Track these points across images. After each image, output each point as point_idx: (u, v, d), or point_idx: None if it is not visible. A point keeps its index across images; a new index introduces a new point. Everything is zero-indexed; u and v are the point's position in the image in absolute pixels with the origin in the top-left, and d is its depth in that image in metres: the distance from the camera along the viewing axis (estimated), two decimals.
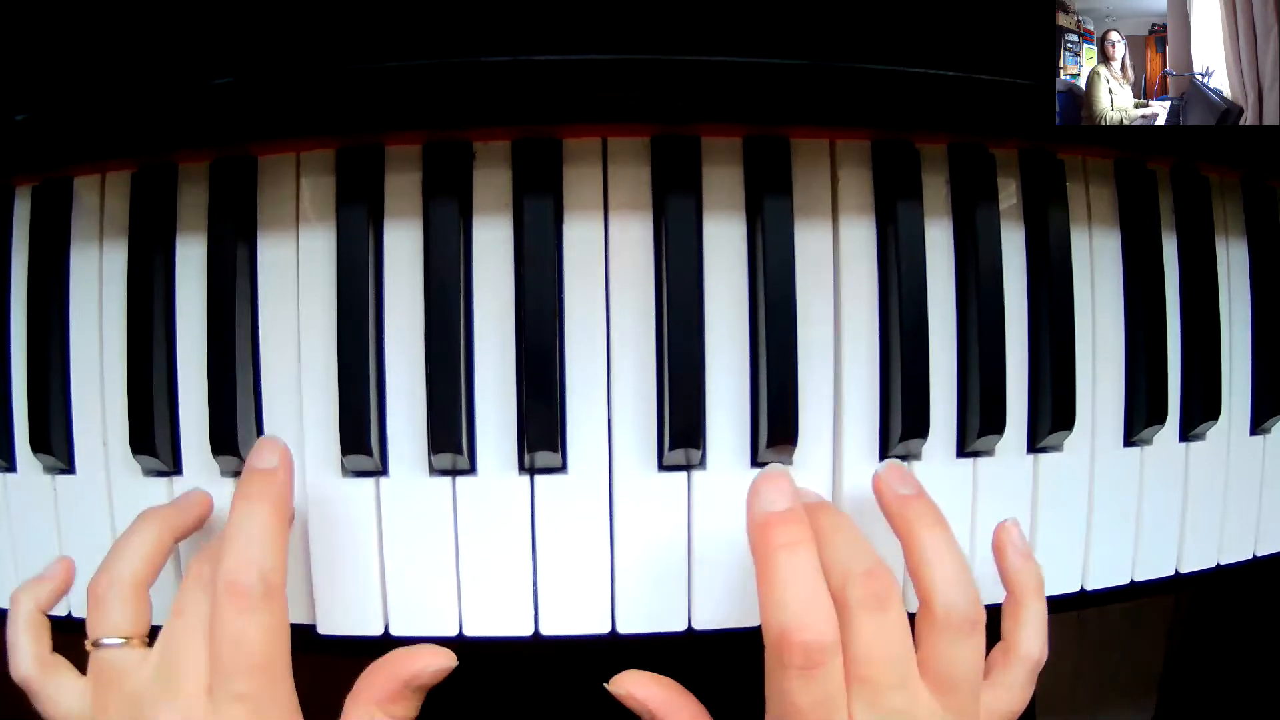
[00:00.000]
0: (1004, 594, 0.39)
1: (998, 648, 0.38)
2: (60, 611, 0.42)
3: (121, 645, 0.35)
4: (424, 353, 0.39)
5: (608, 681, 0.38)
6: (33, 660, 0.37)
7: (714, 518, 0.40)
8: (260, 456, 0.36)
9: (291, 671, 0.35)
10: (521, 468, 0.40)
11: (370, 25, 0.35)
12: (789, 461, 0.40)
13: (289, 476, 0.37)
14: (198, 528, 0.39)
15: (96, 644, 0.35)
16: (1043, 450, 0.42)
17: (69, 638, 0.43)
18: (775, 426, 0.38)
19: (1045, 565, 0.42)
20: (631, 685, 0.38)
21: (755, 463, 0.40)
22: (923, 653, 0.34)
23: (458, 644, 0.40)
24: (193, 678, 0.33)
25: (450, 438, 0.38)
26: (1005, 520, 0.40)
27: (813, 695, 0.32)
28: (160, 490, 0.40)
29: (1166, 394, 0.44)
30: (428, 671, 0.37)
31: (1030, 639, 0.37)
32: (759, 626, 0.40)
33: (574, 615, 0.40)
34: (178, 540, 0.38)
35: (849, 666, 0.33)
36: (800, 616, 0.32)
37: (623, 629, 0.40)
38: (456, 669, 0.38)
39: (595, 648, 0.40)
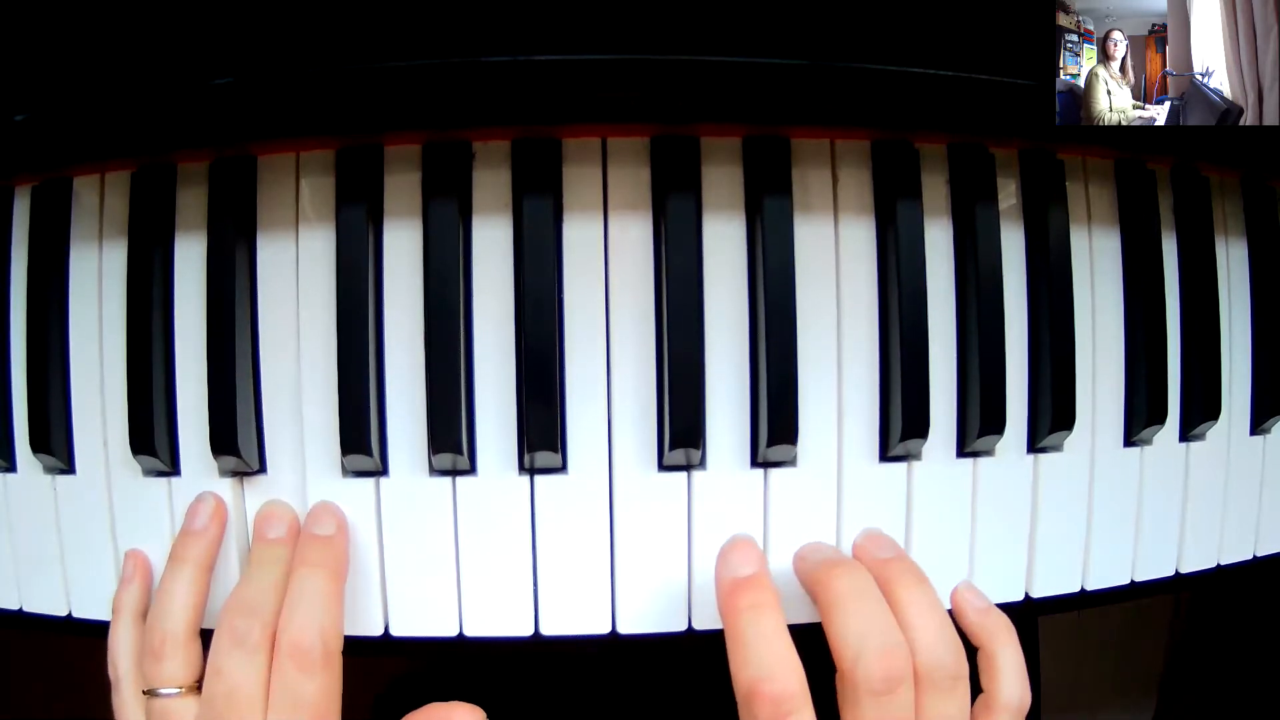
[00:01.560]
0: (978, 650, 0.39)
1: (979, 701, 0.38)
2: (60, 612, 0.42)
3: (178, 695, 0.36)
4: (424, 353, 0.39)
5: None
6: (130, 664, 0.38)
7: (714, 518, 0.39)
8: (318, 523, 0.38)
9: None
10: (521, 468, 0.40)
11: (370, 25, 0.35)
12: (789, 461, 0.40)
13: (345, 542, 0.38)
14: (221, 540, 0.39)
15: (153, 693, 0.36)
16: (1043, 450, 0.42)
17: (68, 639, 0.43)
18: (775, 426, 0.38)
19: (1045, 565, 0.42)
20: None
21: (755, 463, 0.40)
22: None
23: (458, 644, 0.40)
24: None
25: (450, 438, 0.38)
26: (957, 586, 0.40)
27: None
28: (160, 490, 0.40)
29: (1166, 394, 0.44)
30: None
31: (1009, 686, 0.37)
32: None
33: (574, 615, 0.40)
34: (212, 569, 0.39)
35: None
36: (768, 669, 0.33)
37: (623, 629, 0.40)
38: (456, 669, 0.38)
39: (595, 648, 0.40)
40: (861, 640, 0.34)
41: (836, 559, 0.37)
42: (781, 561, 0.40)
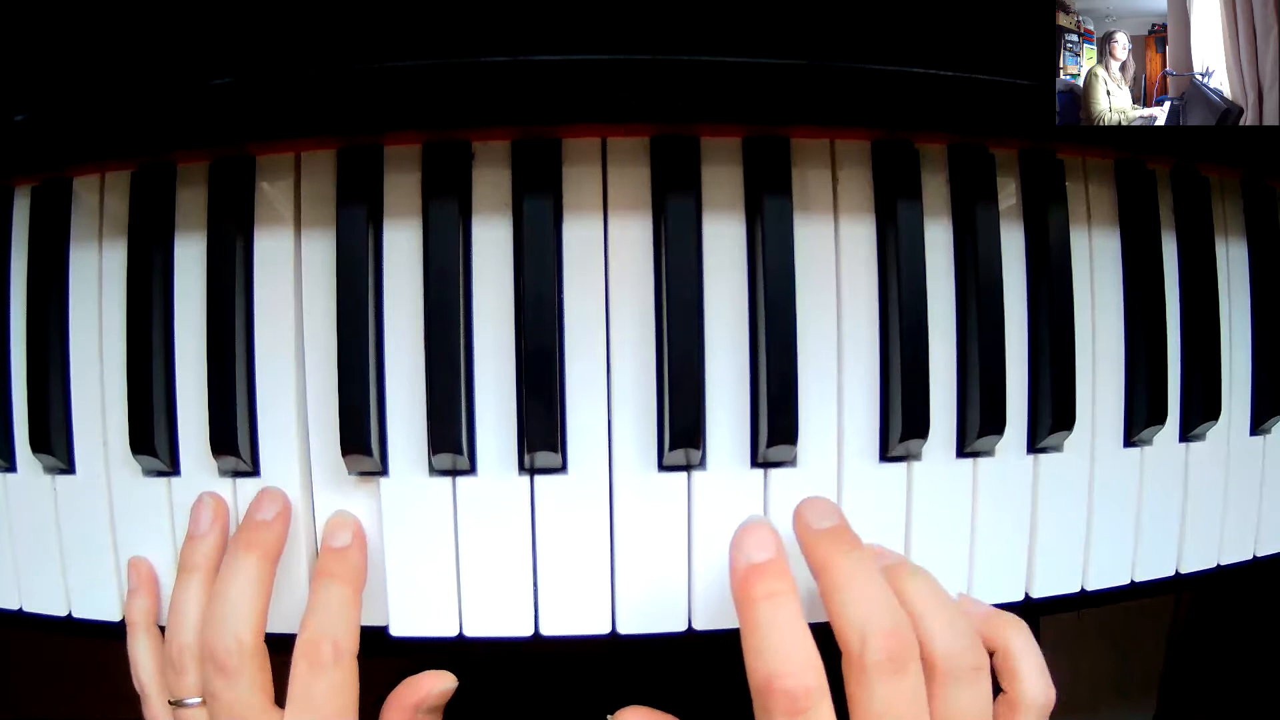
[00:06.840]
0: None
1: (1000, 700, 0.37)
2: (60, 612, 0.42)
3: (200, 704, 0.37)
4: (424, 353, 0.39)
5: (610, 714, 0.38)
6: (153, 673, 0.40)
7: (714, 518, 0.39)
8: (334, 536, 0.39)
9: None
10: (521, 468, 0.40)
11: (370, 25, 0.35)
12: (789, 461, 0.40)
13: (361, 551, 0.39)
14: (226, 542, 0.39)
15: (179, 704, 0.37)
16: (1043, 450, 0.42)
17: (68, 639, 0.43)
18: (775, 427, 0.38)
19: (1045, 566, 0.42)
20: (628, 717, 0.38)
21: (755, 463, 0.40)
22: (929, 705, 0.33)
23: (458, 644, 0.40)
24: None
25: (450, 438, 0.38)
26: (962, 598, 0.40)
27: None
28: (160, 490, 0.40)
29: (1166, 394, 0.44)
30: (433, 694, 0.40)
31: (1032, 686, 0.37)
32: None
33: (574, 615, 0.40)
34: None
35: None
36: (783, 663, 0.32)
37: (623, 629, 0.40)
38: (456, 669, 0.39)
39: (595, 648, 0.40)
40: (866, 621, 0.33)
41: (839, 537, 0.35)
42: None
